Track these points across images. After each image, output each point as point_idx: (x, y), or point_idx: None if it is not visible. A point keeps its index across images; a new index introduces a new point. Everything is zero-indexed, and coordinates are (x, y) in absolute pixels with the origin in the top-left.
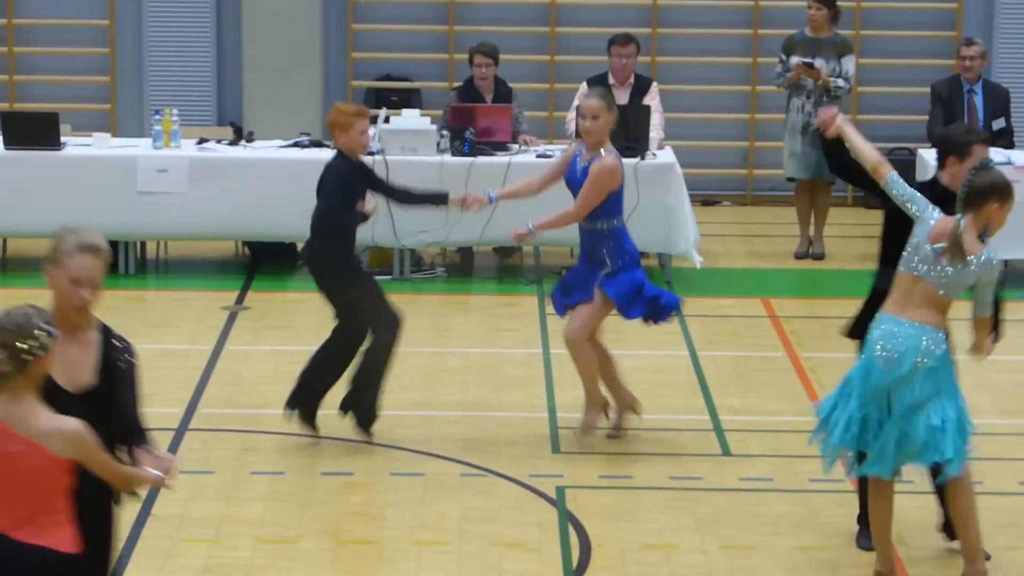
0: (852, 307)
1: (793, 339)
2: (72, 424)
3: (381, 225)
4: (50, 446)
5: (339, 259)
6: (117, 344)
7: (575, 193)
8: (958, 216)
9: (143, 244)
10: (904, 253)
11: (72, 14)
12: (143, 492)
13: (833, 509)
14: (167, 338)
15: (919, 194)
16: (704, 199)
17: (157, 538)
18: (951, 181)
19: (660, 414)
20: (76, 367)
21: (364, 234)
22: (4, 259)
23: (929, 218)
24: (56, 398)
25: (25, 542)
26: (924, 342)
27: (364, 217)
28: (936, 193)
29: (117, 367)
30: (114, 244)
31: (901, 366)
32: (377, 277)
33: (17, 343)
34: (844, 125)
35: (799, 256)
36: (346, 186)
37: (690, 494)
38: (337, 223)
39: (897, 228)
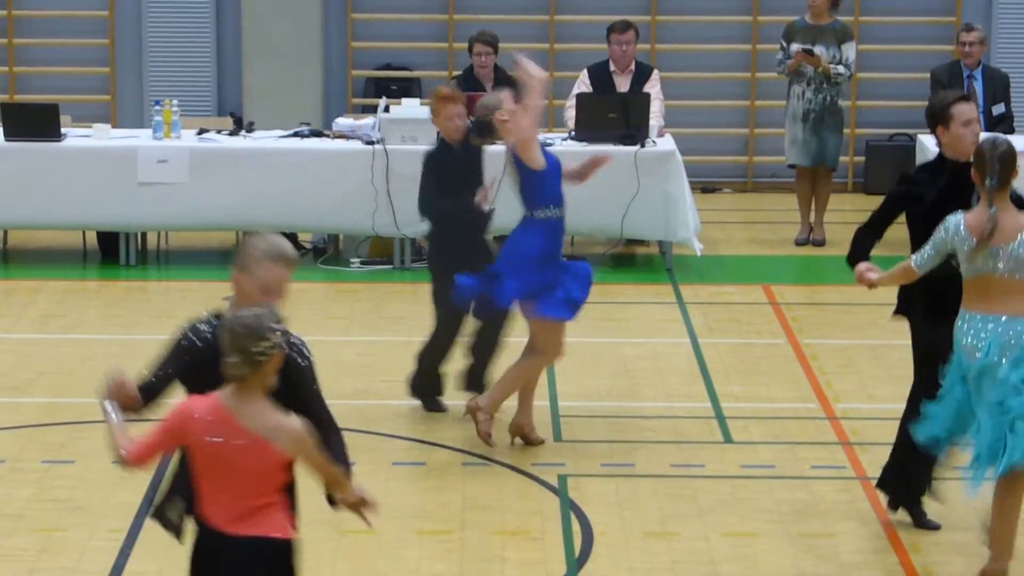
0: (853, 293)
1: (794, 326)
2: (296, 423)
3: (382, 214)
4: (274, 442)
5: (441, 251)
6: (293, 344)
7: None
8: (991, 209)
9: (144, 235)
10: (963, 267)
11: (71, 5)
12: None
13: (835, 496)
14: (168, 329)
15: (933, 239)
16: (704, 186)
17: (159, 529)
18: (949, 149)
19: (661, 401)
20: None
21: (365, 223)
22: (5, 251)
23: (956, 226)
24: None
25: (240, 534)
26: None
27: (466, 207)
28: (945, 168)
29: (296, 367)
30: (114, 235)
31: (996, 359)
32: (377, 267)
33: (251, 347)
34: (872, 279)
35: (800, 243)
36: (438, 173)
37: (692, 481)
38: (432, 215)
39: (926, 219)
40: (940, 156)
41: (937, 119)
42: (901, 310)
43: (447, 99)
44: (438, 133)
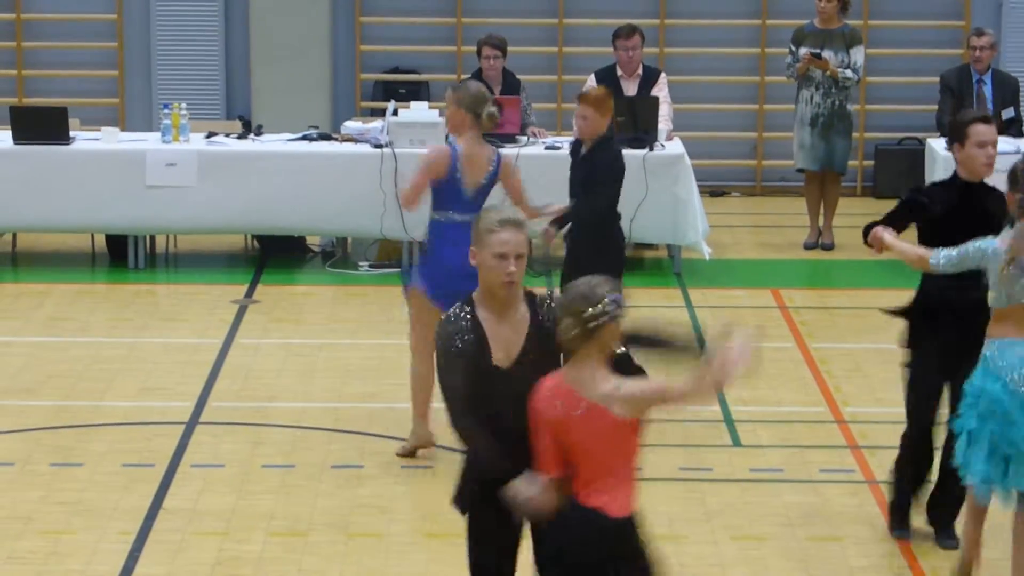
0: (862, 297)
1: (803, 329)
2: (633, 385)
3: (390, 217)
4: (611, 408)
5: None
6: (544, 310)
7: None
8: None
9: (152, 238)
10: (997, 293)
11: (80, 8)
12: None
13: (844, 499)
14: (176, 332)
15: (966, 246)
16: (713, 190)
17: (168, 531)
18: (962, 168)
19: None
20: (511, 346)
21: (373, 226)
22: (14, 253)
23: (990, 248)
24: (494, 376)
25: (580, 504)
26: None
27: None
28: (956, 185)
29: (549, 332)
30: (123, 238)
31: None
32: (386, 270)
33: (584, 312)
34: (886, 238)
35: (808, 247)
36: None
37: (700, 485)
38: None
39: (934, 235)
40: (955, 173)
41: (953, 136)
42: (909, 343)
43: (580, 99)
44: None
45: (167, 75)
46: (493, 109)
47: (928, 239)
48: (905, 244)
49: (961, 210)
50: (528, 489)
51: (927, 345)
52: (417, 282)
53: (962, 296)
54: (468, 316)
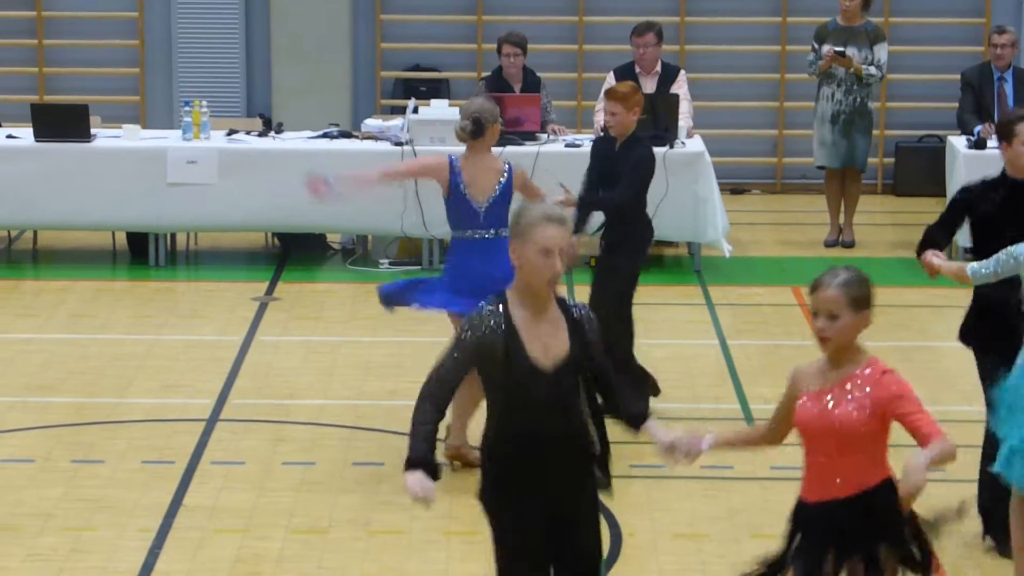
0: (883, 295)
1: None
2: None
3: (410, 215)
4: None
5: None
6: (578, 309)
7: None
8: None
9: (173, 236)
10: None
11: (101, 6)
12: None
13: None
14: (197, 329)
15: (999, 255)
16: (733, 187)
17: (188, 529)
18: (1010, 166)
19: (690, 403)
20: (551, 344)
21: (394, 224)
22: (35, 251)
23: (1022, 255)
24: (531, 375)
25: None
26: None
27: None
28: (1004, 184)
29: (586, 329)
30: (144, 235)
31: None
32: (406, 267)
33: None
34: (934, 263)
35: (829, 244)
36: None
37: (722, 483)
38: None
39: (984, 233)
40: (1002, 171)
41: (1001, 134)
42: (969, 340)
43: (607, 94)
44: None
45: (188, 73)
46: (464, 123)
47: (978, 238)
48: (949, 264)
49: (1010, 208)
50: (419, 490)
51: (990, 344)
52: (452, 306)
53: (1006, 296)
54: (500, 313)
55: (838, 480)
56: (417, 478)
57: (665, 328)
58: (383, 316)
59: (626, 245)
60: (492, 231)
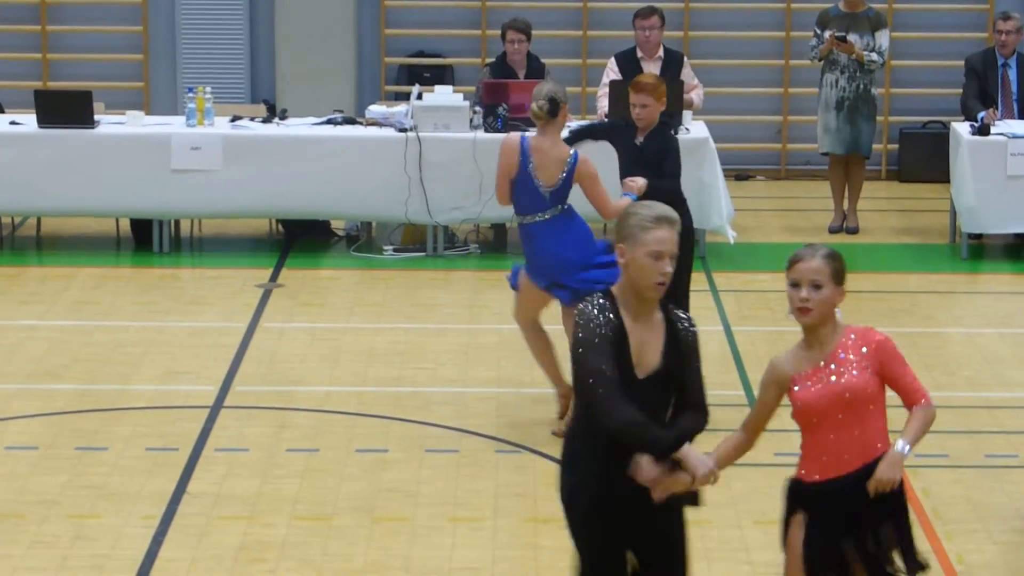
0: (887, 281)
1: None
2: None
3: (414, 201)
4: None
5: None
6: (680, 320)
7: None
8: None
9: (177, 222)
10: None
11: None
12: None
13: None
14: (201, 316)
15: None
16: (738, 174)
17: (192, 515)
18: None
19: None
20: (646, 351)
21: (397, 211)
22: (39, 237)
23: None
24: (627, 384)
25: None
26: None
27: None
28: None
29: (684, 344)
30: (148, 222)
31: None
32: (410, 254)
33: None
34: None
35: (833, 231)
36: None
37: (725, 469)
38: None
39: None
40: None
41: None
42: None
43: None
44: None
45: (192, 59)
46: (541, 103)
47: None
48: None
49: None
50: (652, 471)
51: None
52: (526, 277)
53: None
54: (612, 311)
55: (846, 456)
56: (647, 463)
57: None
58: (387, 303)
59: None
60: (558, 207)
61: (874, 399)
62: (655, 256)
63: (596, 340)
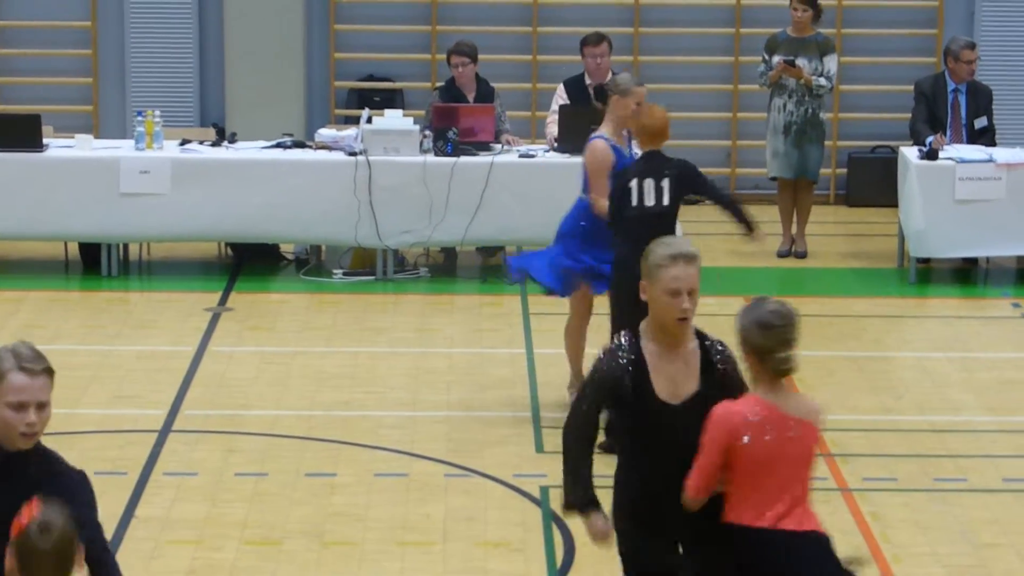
0: (835, 306)
1: None
2: (816, 401)
3: (364, 225)
4: (817, 424)
5: None
6: (714, 347)
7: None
8: None
9: (126, 246)
10: None
11: (54, 16)
12: None
13: (816, 507)
14: (150, 339)
15: None
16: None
17: (141, 540)
18: None
19: None
20: (680, 381)
21: (347, 234)
22: None
23: None
24: (659, 412)
25: (798, 530)
26: None
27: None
28: None
29: (719, 370)
30: (97, 246)
31: None
32: (360, 278)
33: (794, 337)
34: None
35: (782, 255)
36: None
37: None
38: None
39: None
40: None
41: None
42: None
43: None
44: None
45: (141, 82)
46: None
47: None
48: None
49: None
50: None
51: None
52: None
53: None
54: (631, 350)
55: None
56: (600, 518)
57: None
58: (337, 326)
59: None
60: None
61: None
62: (672, 293)
63: (591, 379)
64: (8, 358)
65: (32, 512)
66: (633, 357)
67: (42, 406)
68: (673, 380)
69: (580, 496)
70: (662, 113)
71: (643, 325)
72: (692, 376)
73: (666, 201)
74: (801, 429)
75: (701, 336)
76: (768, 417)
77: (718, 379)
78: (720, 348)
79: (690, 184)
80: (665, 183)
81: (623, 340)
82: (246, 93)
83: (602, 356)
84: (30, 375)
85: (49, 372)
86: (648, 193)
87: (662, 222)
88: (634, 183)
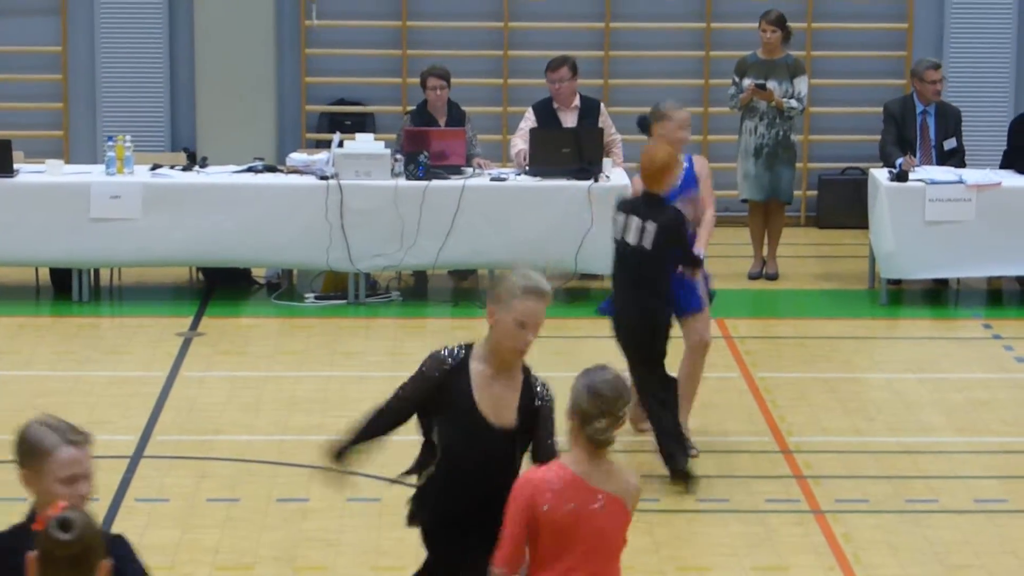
0: (806, 327)
1: (747, 359)
2: (636, 480)
3: (336, 248)
4: (627, 501)
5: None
6: (536, 385)
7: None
8: None
9: (97, 271)
10: None
11: (24, 41)
12: None
13: (788, 529)
14: (121, 365)
15: None
16: None
17: None
18: None
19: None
20: (502, 405)
21: (319, 258)
22: None
23: None
24: (482, 432)
25: None
26: None
27: None
28: None
29: (537, 407)
30: (67, 271)
31: None
32: (332, 302)
33: (619, 411)
34: None
35: (753, 276)
36: None
37: (647, 516)
38: None
39: None
40: None
41: None
42: None
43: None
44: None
45: (112, 107)
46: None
47: None
48: None
49: None
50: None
51: None
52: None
53: None
54: (458, 362)
55: None
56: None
57: (591, 361)
58: (309, 351)
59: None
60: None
61: None
62: (520, 325)
63: (418, 373)
64: (49, 434)
65: (55, 509)
66: (458, 367)
67: (88, 476)
68: (496, 403)
69: (343, 441)
70: (662, 155)
71: (476, 344)
72: (512, 406)
73: (648, 245)
74: (608, 504)
75: (527, 371)
76: (571, 484)
77: (533, 413)
78: (542, 387)
79: (668, 238)
80: (649, 227)
81: (455, 350)
82: (217, 117)
83: (428, 360)
84: (78, 447)
85: (91, 441)
86: (631, 230)
87: (644, 263)
88: (621, 216)
